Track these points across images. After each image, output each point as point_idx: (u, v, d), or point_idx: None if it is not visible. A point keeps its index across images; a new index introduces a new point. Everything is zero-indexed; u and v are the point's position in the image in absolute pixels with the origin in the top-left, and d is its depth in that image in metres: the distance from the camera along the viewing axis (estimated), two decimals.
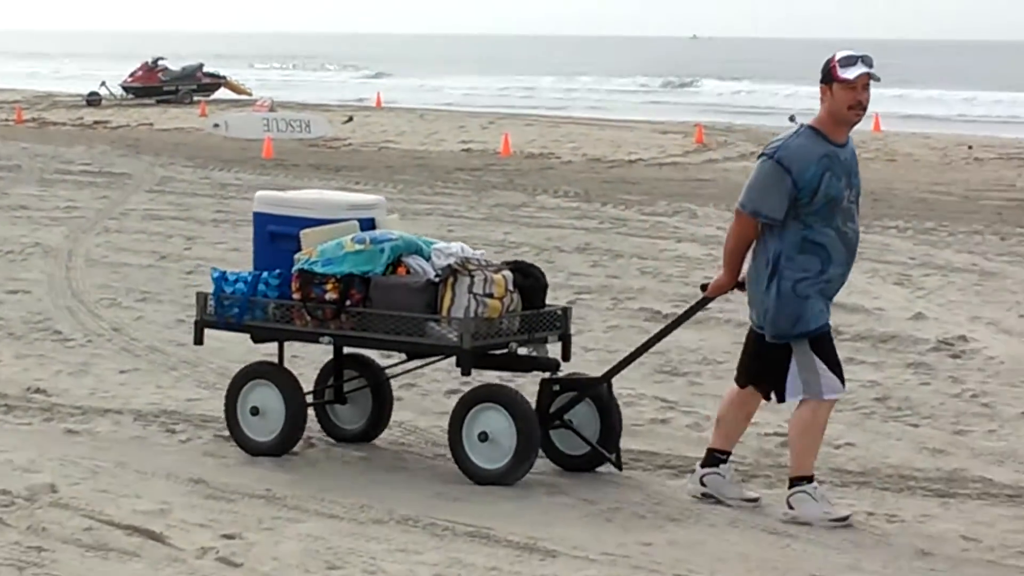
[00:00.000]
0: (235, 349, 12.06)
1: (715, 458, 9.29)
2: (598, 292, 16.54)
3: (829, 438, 10.77)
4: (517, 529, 8.75)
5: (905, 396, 12.11)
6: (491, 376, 10.24)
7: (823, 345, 9.00)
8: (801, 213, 8.84)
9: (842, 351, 13.34)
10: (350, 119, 46.31)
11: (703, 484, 9.28)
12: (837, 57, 8.89)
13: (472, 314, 9.30)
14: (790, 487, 9.03)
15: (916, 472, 10.07)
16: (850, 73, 8.81)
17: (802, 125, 9.00)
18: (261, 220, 10.17)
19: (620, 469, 9.76)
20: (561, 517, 9.07)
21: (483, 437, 9.37)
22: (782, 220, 8.85)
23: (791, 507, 8.95)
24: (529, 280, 9.72)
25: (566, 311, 10.02)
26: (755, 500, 9.23)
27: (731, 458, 9.38)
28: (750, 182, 8.98)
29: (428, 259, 9.59)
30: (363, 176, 29.92)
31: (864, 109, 8.89)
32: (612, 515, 9.12)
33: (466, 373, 9.64)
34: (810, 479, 9.00)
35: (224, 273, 10.05)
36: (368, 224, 9.97)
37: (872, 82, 8.86)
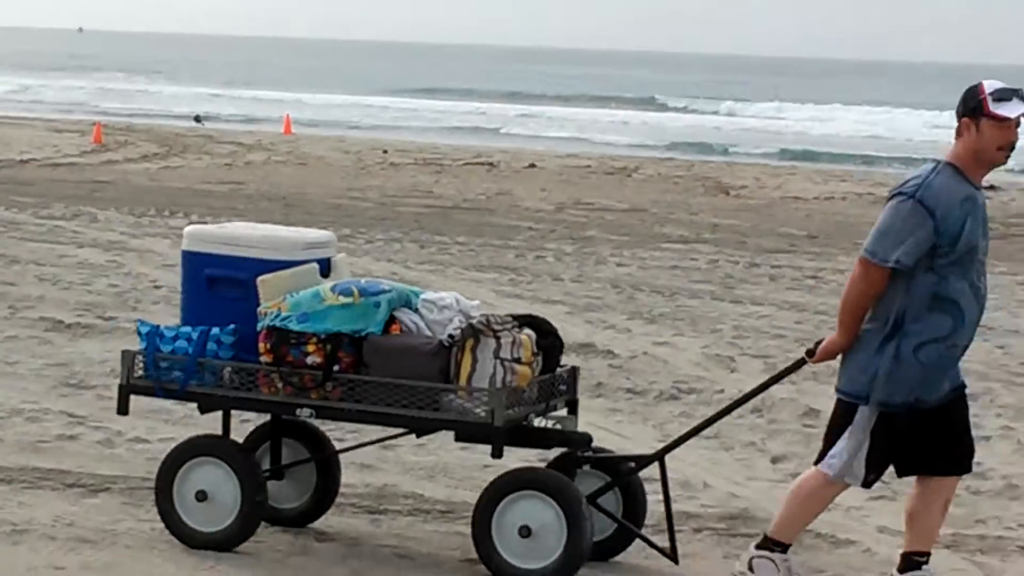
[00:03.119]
0: None
1: (914, 561, 8.41)
2: None
3: None
4: None
5: None
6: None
7: (895, 431, 8.12)
8: (936, 263, 8.00)
9: None
10: None
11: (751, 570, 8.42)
12: (988, 89, 8.00)
13: (500, 383, 8.17)
14: (759, 547, 8.42)
15: (345, 488, 10.12)
16: (1008, 111, 7.96)
17: (938, 162, 8.11)
18: (194, 261, 8.74)
19: (677, 562, 8.75)
20: None
21: (525, 532, 8.27)
22: (912, 269, 8.00)
23: (751, 569, 8.38)
24: (548, 339, 8.65)
25: (574, 372, 8.98)
26: None
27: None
28: (883, 226, 8.00)
29: (416, 311, 8.52)
30: None
31: (1013, 150, 8.11)
32: (20, 537, 8.88)
33: (498, 455, 8.27)
34: (785, 548, 8.37)
35: (157, 327, 8.65)
36: (324, 265, 8.82)
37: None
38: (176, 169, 33.08)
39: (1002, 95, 7.96)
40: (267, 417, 9.13)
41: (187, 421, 11.55)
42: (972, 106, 8.00)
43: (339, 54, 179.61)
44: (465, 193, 30.18)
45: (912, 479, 8.39)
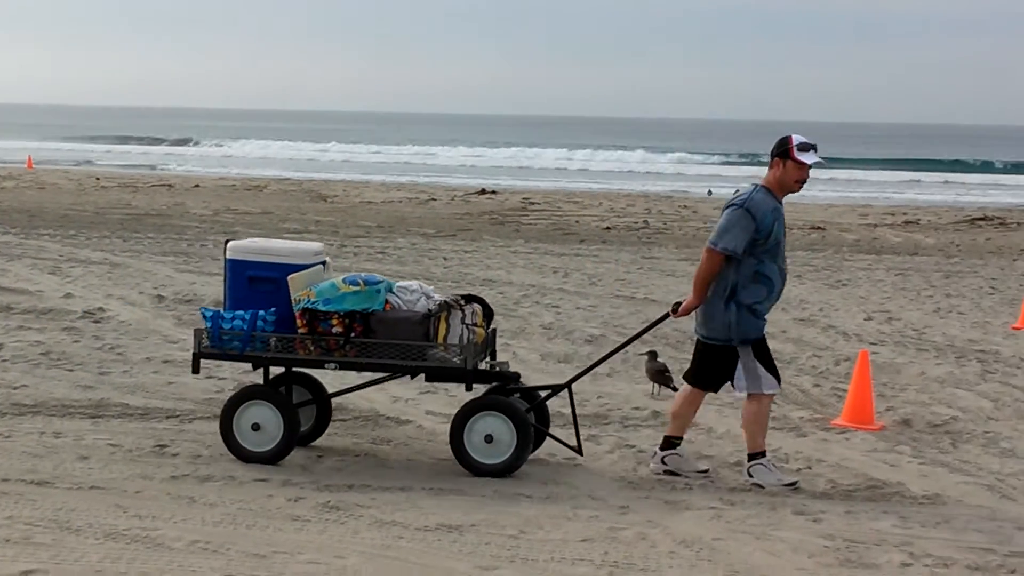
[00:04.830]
0: None
1: (672, 443, 8.26)
2: None
3: (8, 382, 10.34)
4: None
5: (63, 351, 11.72)
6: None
7: (763, 350, 8.07)
8: (756, 251, 7.88)
9: (13, 321, 12.92)
10: None
11: (664, 463, 8.24)
12: (795, 141, 7.90)
13: (467, 341, 7.97)
14: (749, 461, 8.09)
15: (74, 402, 9.76)
16: (807, 159, 7.88)
17: (756, 185, 7.97)
18: (238, 266, 8.15)
19: (582, 454, 8.48)
20: None
21: (488, 439, 7.97)
22: (741, 255, 7.88)
23: (751, 475, 8.05)
24: (486, 309, 8.43)
25: (494, 332, 8.58)
26: (706, 471, 8.24)
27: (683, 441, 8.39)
28: (723, 226, 7.88)
29: (394, 294, 8.11)
30: None
31: (804, 183, 8.01)
32: None
33: (469, 389, 8.11)
34: (763, 454, 8.09)
35: (217, 312, 8.05)
36: (323, 265, 8.43)
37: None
38: None
39: (804, 146, 7.91)
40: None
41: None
42: (783, 150, 7.92)
43: (66, 115, 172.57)
44: (153, 205, 29.21)
45: None
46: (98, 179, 38.30)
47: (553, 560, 6.53)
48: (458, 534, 6.90)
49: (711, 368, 8.17)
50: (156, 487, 7.62)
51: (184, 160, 60.79)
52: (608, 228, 26.17)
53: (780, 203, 8.02)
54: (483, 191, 36.04)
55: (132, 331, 12.85)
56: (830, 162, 68.14)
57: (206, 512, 7.14)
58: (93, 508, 7.13)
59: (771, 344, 12.85)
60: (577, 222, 27.37)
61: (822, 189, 45.35)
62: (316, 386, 8.82)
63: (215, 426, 9.15)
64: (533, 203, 32.08)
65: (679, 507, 7.56)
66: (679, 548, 6.79)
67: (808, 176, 8.00)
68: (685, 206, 32.76)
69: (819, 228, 27.02)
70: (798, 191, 8.03)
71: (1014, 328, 14.52)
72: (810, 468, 8.54)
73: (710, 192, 40.23)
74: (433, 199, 33.10)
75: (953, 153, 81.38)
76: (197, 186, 36.01)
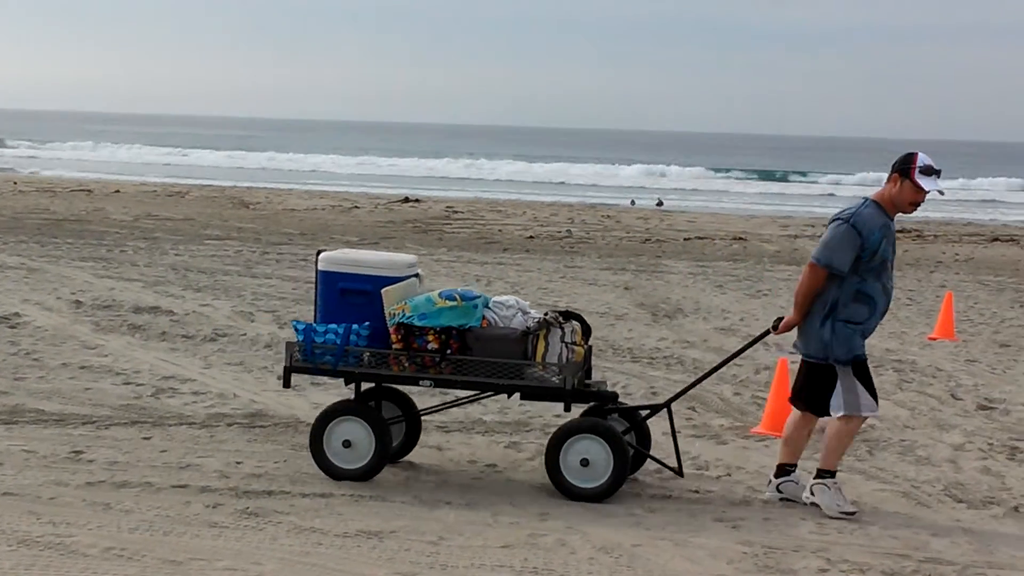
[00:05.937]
0: None
1: (786, 470, 8.00)
2: None
3: None
4: None
5: None
6: None
7: (863, 371, 7.71)
8: (859, 268, 7.55)
9: None
10: None
11: (779, 491, 7.99)
12: (920, 162, 7.55)
13: (565, 360, 7.72)
14: (816, 477, 7.82)
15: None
16: (926, 184, 7.53)
17: (867, 199, 7.66)
18: (330, 278, 7.88)
19: (682, 475, 8.32)
20: None
21: (584, 463, 7.72)
22: (845, 272, 7.57)
23: (812, 493, 7.79)
24: (584, 327, 8.15)
25: (590, 349, 8.31)
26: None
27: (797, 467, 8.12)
28: (827, 240, 7.56)
29: (490, 309, 7.85)
30: None
31: (918, 207, 7.67)
32: None
33: (568, 409, 7.75)
34: (833, 474, 7.80)
35: (310, 325, 7.77)
36: (416, 277, 8.18)
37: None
38: None
39: (927, 170, 7.58)
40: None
41: None
42: (904, 168, 7.61)
43: None
44: (72, 210, 28.83)
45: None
46: (15, 183, 37.77)
47: (473, 566, 6.51)
48: (377, 540, 6.85)
49: (815, 388, 7.91)
50: (71, 493, 7.49)
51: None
52: (531, 237, 26.22)
53: (891, 220, 7.73)
54: (407, 199, 35.97)
55: (49, 336, 12.65)
56: (750, 174, 69.08)
57: (122, 519, 7.03)
58: (6, 514, 7.00)
59: (692, 353, 13.06)
60: (500, 231, 27.39)
61: (749, 201, 45.83)
62: (405, 401, 8.65)
63: (132, 432, 9.05)
64: (457, 212, 32.07)
65: (599, 513, 7.56)
66: (598, 554, 6.79)
67: (923, 200, 7.69)
68: (608, 216, 32.91)
69: (741, 239, 27.26)
70: (911, 213, 7.72)
71: (930, 338, 14.72)
72: (730, 475, 8.59)
73: (660, 203, 40.67)
74: (356, 207, 32.97)
75: (865, 166, 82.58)
76: (117, 191, 35.63)
